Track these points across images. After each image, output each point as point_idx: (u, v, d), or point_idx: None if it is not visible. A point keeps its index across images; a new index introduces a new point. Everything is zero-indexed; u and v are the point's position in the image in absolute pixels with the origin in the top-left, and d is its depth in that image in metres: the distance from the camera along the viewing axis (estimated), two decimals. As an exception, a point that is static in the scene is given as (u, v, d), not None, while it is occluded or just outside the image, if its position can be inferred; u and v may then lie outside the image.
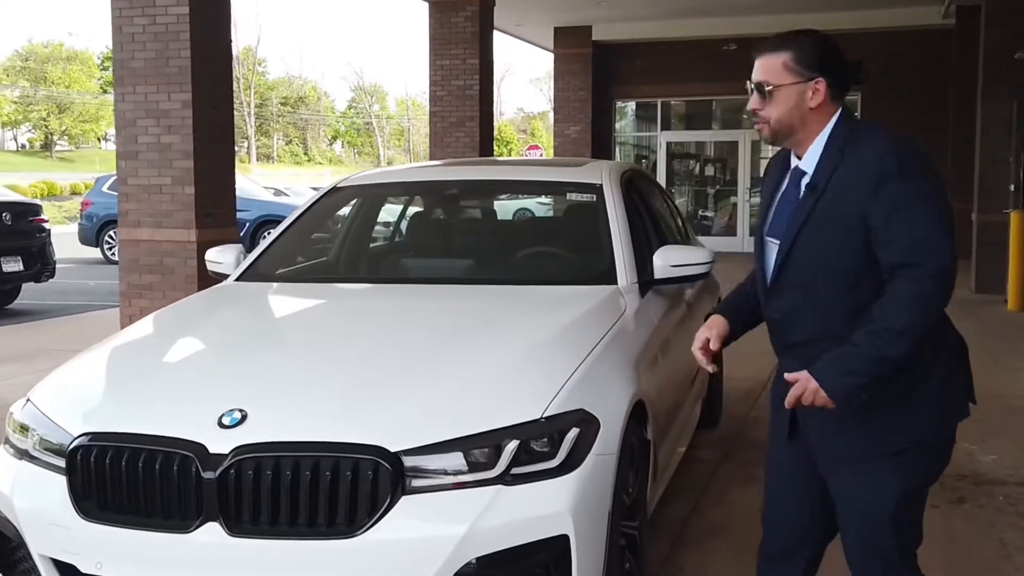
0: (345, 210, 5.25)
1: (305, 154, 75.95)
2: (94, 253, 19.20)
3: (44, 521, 3.00)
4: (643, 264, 4.22)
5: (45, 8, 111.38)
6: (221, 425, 2.89)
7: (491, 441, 2.88)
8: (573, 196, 4.92)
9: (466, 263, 4.69)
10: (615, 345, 3.55)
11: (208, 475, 2.80)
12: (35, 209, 12.11)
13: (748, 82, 2.59)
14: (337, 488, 2.78)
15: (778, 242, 2.58)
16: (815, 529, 2.78)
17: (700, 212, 20.95)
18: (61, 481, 2.99)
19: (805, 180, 2.56)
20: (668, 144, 21.17)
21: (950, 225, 2.41)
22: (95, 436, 2.97)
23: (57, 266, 12.29)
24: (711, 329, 2.82)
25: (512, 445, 2.88)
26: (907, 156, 2.43)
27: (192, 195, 8.35)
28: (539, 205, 13.52)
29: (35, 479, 3.08)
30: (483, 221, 5.35)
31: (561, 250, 4.76)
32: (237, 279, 4.44)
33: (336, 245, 5.21)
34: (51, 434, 3.11)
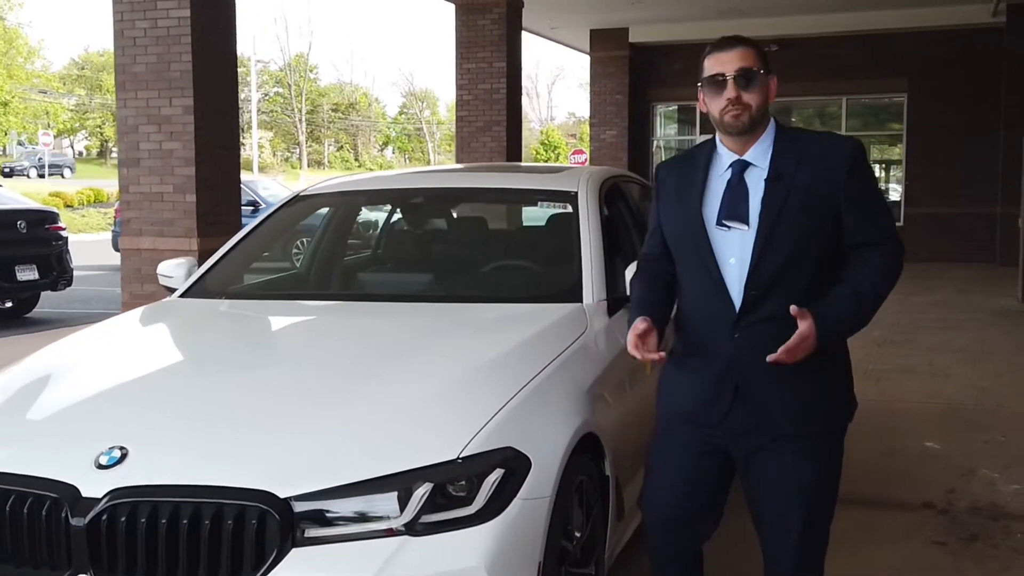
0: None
1: (356, 160, 76.22)
2: (128, 260, 19.14)
3: (-85, 568, 2.74)
4: (616, 280, 3.85)
5: (101, 18, 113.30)
6: (98, 465, 2.60)
7: (399, 485, 2.56)
8: (546, 205, 4.56)
9: (426, 278, 4.35)
10: (565, 371, 3.20)
11: (77, 521, 2.51)
12: (52, 217, 12.00)
13: (721, 74, 2.58)
14: (220, 538, 2.48)
15: (745, 227, 2.60)
16: (705, 520, 2.85)
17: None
18: (-64, 523, 2.71)
19: (758, 172, 2.62)
20: (708, 147, 20.65)
21: None
22: (-33, 475, 2.69)
23: (89, 273, 12.19)
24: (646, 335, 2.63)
25: (423, 489, 2.56)
26: (863, 151, 2.65)
27: (194, 203, 8.17)
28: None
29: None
30: (451, 232, 4.97)
31: (532, 264, 4.40)
32: (182, 295, 4.15)
33: (305, 257, 4.91)
34: (-68, 471, 2.83)
